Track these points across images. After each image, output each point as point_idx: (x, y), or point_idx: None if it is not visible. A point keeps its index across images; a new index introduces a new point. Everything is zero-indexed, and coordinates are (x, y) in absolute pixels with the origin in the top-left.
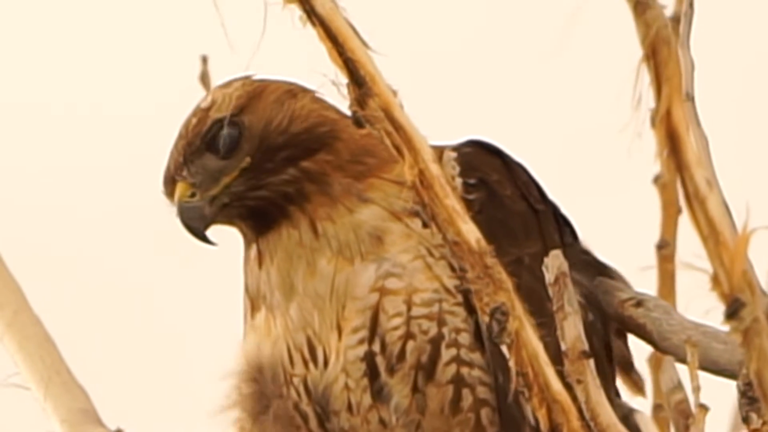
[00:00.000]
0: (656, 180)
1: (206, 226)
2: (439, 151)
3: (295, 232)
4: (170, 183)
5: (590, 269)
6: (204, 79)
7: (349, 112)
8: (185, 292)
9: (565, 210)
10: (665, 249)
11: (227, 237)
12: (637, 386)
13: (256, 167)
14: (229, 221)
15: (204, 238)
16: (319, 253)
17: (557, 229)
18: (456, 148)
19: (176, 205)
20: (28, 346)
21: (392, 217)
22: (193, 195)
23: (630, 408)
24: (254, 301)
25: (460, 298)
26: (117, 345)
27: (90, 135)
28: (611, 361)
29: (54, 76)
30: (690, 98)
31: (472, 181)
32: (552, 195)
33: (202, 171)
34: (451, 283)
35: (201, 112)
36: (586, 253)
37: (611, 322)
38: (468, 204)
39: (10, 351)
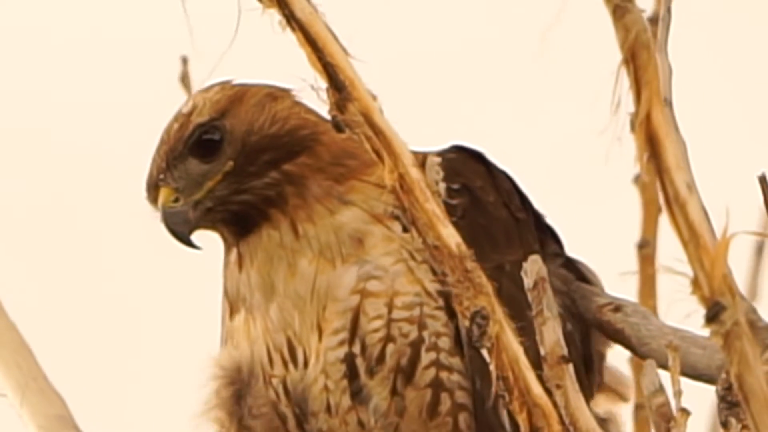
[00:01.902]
0: (636, 179)
1: (190, 231)
2: (423, 156)
3: (275, 233)
4: (153, 189)
5: (571, 278)
6: (184, 80)
7: (328, 117)
8: (165, 298)
9: (550, 219)
10: (646, 248)
11: (209, 238)
12: (619, 394)
13: (239, 171)
14: (212, 226)
15: (189, 243)
16: (299, 254)
17: (538, 238)
18: (440, 153)
19: (160, 211)
20: (4, 353)
21: (373, 220)
22: (176, 200)
23: (601, 417)
24: (233, 304)
25: (441, 302)
26: (94, 351)
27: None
28: (591, 371)
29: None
30: (668, 103)
31: (455, 186)
32: (535, 202)
33: (185, 176)
34: (432, 286)
35: (182, 117)
36: (569, 262)
37: (595, 333)
38: (451, 209)
39: None
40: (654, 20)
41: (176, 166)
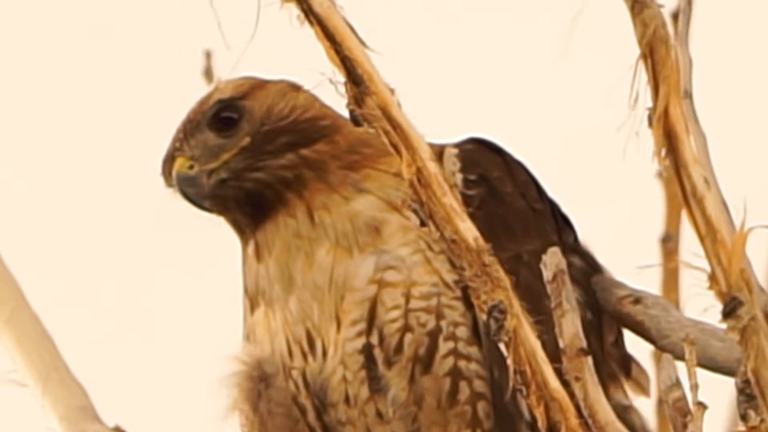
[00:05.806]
0: (660, 174)
1: (204, 196)
2: (440, 148)
3: (292, 221)
4: (169, 161)
5: (587, 268)
6: (207, 74)
7: (346, 111)
8: (184, 288)
9: (565, 209)
10: (669, 243)
11: (223, 231)
12: (640, 386)
13: (256, 148)
14: (226, 207)
15: (202, 206)
16: (317, 243)
17: (555, 229)
18: (457, 145)
19: (174, 177)
20: (27, 343)
21: (389, 208)
22: (191, 167)
23: (625, 406)
24: (253, 300)
25: (458, 292)
26: (115, 342)
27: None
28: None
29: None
30: (688, 95)
31: (472, 177)
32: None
33: (202, 146)
34: (450, 277)
35: (204, 97)
36: (585, 253)
37: (610, 322)
38: (468, 200)
39: (8, 348)
40: (675, 15)
41: (193, 135)
